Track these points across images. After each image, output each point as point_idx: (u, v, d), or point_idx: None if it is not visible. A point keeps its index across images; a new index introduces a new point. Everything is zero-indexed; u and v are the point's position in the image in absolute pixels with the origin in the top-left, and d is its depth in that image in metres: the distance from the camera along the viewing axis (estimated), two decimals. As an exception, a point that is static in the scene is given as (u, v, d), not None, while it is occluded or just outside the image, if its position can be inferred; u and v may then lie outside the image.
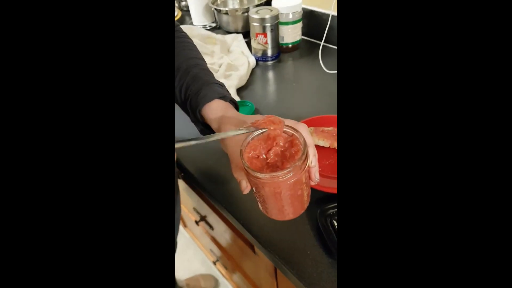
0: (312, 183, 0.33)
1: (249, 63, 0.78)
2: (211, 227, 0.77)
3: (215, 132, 0.37)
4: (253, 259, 0.64)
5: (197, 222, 0.80)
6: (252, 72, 0.79)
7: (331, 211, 0.43)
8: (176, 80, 0.40)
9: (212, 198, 0.51)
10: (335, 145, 0.52)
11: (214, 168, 0.55)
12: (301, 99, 0.68)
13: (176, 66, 0.41)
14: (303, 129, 0.32)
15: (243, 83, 0.73)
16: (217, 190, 0.51)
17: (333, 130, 0.53)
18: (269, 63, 0.82)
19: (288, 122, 0.32)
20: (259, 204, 0.34)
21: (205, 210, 0.72)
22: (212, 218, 0.71)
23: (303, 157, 0.28)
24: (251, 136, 0.30)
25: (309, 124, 0.56)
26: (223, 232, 0.73)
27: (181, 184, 0.72)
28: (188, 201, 0.83)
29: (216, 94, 0.38)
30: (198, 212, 0.79)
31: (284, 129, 0.31)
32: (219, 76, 0.71)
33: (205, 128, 0.40)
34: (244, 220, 0.46)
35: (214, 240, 0.89)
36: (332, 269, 0.39)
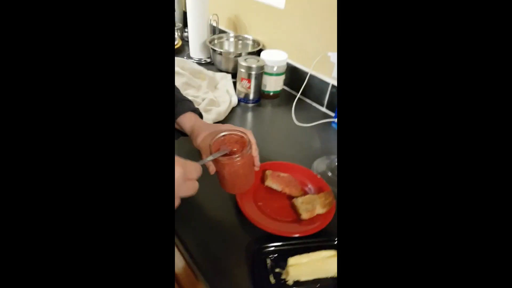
0: (256, 169, 0.52)
1: (231, 101, 0.85)
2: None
3: (186, 135, 0.56)
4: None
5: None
6: (233, 110, 0.86)
7: (268, 249, 0.48)
8: None
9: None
10: (286, 190, 0.58)
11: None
12: (269, 143, 0.75)
13: None
14: (249, 133, 0.50)
15: (221, 118, 0.80)
16: (176, 212, 0.55)
17: (288, 176, 0.60)
18: (250, 105, 0.90)
19: (240, 128, 0.50)
20: (220, 183, 0.50)
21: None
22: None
23: (248, 148, 0.46)
24: (216, 139, 0.47)
25: (269, 167, 0.62)
26: (175, 254, 0.75)
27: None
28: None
29: (188, 108, 0.54)
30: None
31: (236, 132, 0.48)
32: (200, 108, 0.78)
33: (178, 133, 0.56)
34: (190, 244, 0.50)
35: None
36: (256, 303, 0.43)
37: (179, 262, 0.73)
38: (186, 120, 0.54)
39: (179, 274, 0.80)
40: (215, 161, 0.46)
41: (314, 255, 0.45)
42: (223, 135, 0.48)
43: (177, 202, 0.38)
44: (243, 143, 0.47)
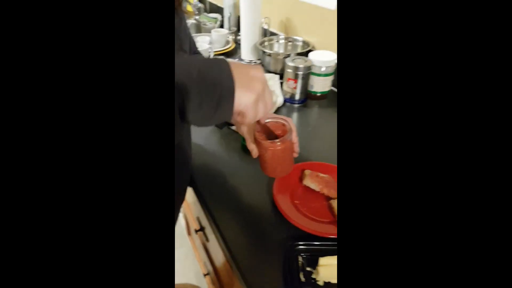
0: (295, 155, 0.52)
1: (276, 101, 0.86)
2: (207, 238, 0.83)
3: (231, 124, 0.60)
4: (232, 279, 0.68)
5: (196, 231, 0.87)
6: (278, 109, 0.88)
7: (301, 247, 0.48)
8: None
9: (210, 214, 0.58)
10: (324, 191, 0.57)
11: (220, 185, 0.62)
12: (312, 143, 0.75)
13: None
14: (290, 120, 0.51)
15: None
16: (216, 206, 0.58)
17: (328, 177, 0.59)
18: (296, 105, 0.90)
19: (282, 116, 0.51)
20: (261, 167, 0.53)
21: (204, 221, 0.79)
22: (209, 230, 0.77)
23: (289, 134, 0.48)
24: (260, 125, 0.50)
25: (309, 167, 0.62)
26: (216, 247, 0.79)
27: (189, 191, 0.80)
28: (193, 209, 0.90)
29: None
30: (199, 222, 0.86)
31: (278, 120, 0.51)
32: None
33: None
34: (228, 238, 0.52)
35: (208, 253, 0.95)
36: (285, 299, 0.43)
37: (220, 257, 0.76)
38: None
39: (219, 268, 0.84)
40: (258, 145, 0.49)
41: (347, 258, 0.44)
42: (267, 122, 0.51)
43: (260, 115, 0.39)
44: (285, 129, 0.50)
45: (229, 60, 0.36)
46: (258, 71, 0.37)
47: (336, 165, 0.62)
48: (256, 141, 0.49)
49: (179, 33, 0.49)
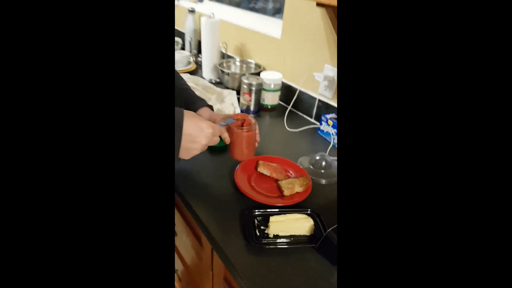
0: (257, 144, 0.70)
1: (234, 111, 1.03)
2: (175, 233, 0.94)
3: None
4: (200, 255, 0.81)
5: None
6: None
7: (256, 213, 0.63)
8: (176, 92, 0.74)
9: (185, 202, 0.71)
10: (273, 175, 0.74)
11: (192, 179, 0.76)
12: (265, 144, 0.92)
13: (176, 86, 0.76)
14: (252, 117, 0.68)
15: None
16: (191, 196, 0.71)
17: (276, 165, 0.76)
18: (250, 115, 1.08)
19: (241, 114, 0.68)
20: (230, 152, 0.68)
21: (177, 216, 0.90)
22: (178, 222, 0.89)
23: (254, 124, 0.66)
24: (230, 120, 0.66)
25: (263, 159, 0.78)
26: (184, 239, 0.90)
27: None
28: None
29: (204, 104, 0.74)
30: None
31: (238, 117, 0.67)
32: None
33: None
34: (201, 216, 0.66)
35: (176, 249, 1.05)
36: (245, 248, 0.57)
37: (190, 241, 0.88)
38: (203, 112, 0.73)
39: (189, 261, 0.95)
40: (230, 133, 0.65)
41: (290, 216, 0.61)
42: (231, 123, 0.67)
43: (203, 149, 0.57)
44: (249, 121, 0.67)
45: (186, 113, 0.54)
46: (203, 131, 0.55)
47: (282, 157, 0.80)
48: (229, 130, 0.65)
49: None
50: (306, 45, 1.05)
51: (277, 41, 1.17)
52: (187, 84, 0.81)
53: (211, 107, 0.76)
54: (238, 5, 1.59)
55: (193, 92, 0.79)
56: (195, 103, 0.74)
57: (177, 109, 0.52)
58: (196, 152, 0.56)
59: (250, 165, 0.77)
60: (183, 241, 0.93)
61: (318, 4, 0.88)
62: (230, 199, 0.69)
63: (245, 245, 0.58)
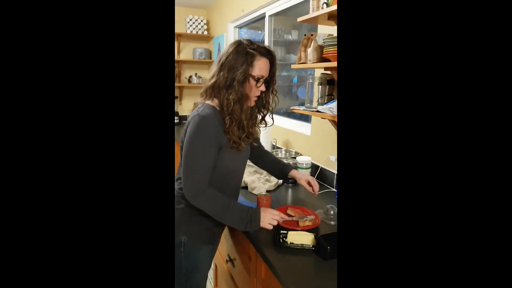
0: (315, 194, 1.24)
1: (278, 181, 1.55)
2: (234, 265, 1.37)
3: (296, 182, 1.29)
4: (249, 270, 1.21)
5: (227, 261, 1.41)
6: (279, 186, 1.55)
7: (281, 231, 1.07)
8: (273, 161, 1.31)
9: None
10: (296, 215, 1.18)
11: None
12: (295, 202, 1.38)
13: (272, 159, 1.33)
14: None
15: (271, 189, 1.49)
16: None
17: (298, 211, 1.21)
18: (290, 185, 1.58)
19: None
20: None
21: (234, 253, 1.35)
22: (236, 257, 1.33)
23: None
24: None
25: (292, 207, 1.24)
26: (241, 268, 1.32)
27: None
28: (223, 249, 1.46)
29: (292, 167, 1.28)
30: (229, 256, 1.41)
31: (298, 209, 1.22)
32: (261, 180, 1.49)
33: (292, 180, 1.32)
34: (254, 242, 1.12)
35: (233, 280, 1.45)
36: (274, 248, 1.00)
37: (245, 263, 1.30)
38: (295, 173, 1.25)
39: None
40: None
41: (301, 233, 1.03)
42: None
43: (269, 227, 1.02)
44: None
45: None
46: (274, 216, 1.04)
47: (305, 208, 1.25)
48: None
49: None
50: (326, 138, 1.59)
51: (308, 137, 1.74)
52: (275, 156, 1.36)
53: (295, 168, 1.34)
54: (288, 115, 2.28)
55: (281, 160, 1.35)
56: (287, 167, 1.28)
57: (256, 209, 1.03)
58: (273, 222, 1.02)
59: (283, 209, 1.24)
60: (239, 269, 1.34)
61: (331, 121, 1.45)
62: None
63: (274, 247, 1.01)
